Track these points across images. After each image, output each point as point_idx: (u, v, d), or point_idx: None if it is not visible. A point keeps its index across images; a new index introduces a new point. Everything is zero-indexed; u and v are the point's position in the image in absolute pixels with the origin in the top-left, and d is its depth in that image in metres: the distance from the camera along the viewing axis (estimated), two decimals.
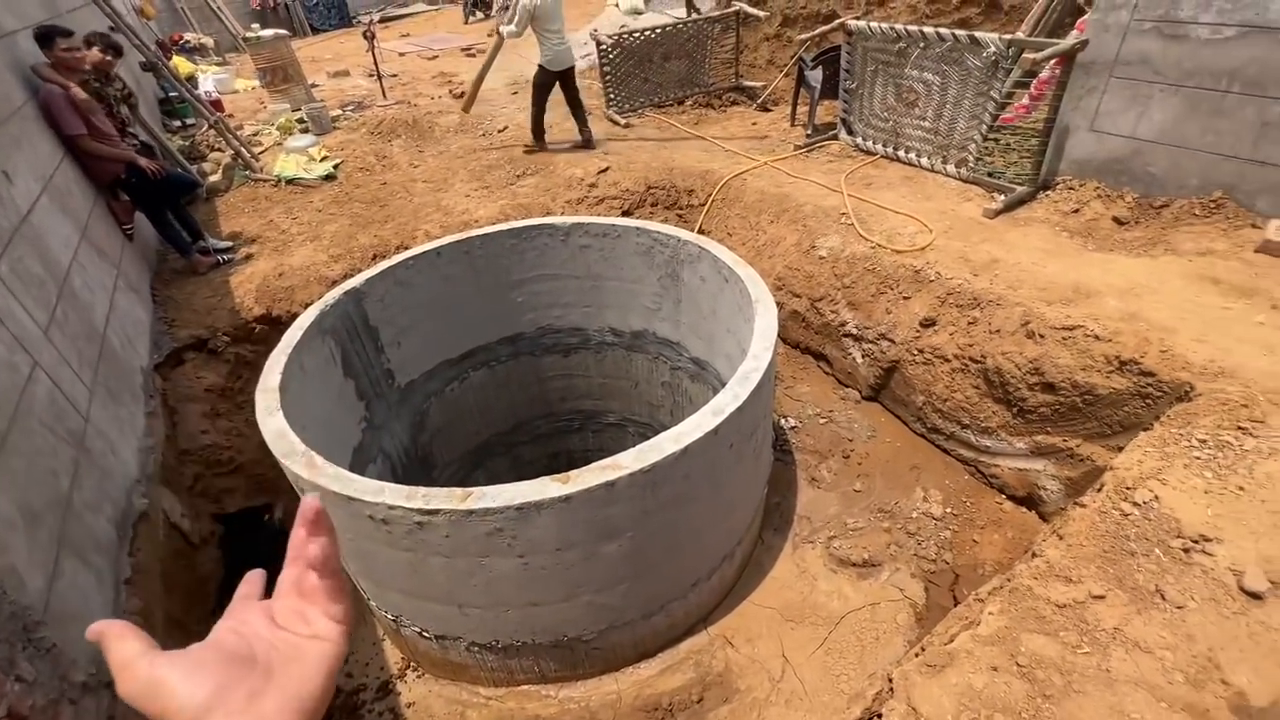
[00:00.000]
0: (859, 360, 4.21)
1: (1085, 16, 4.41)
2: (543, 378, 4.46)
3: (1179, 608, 1.72)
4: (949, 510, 3.51)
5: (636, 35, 6.66)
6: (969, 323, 3.60)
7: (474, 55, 11.07)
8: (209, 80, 9.31)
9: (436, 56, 11.26)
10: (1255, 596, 1.73)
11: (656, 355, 4.24)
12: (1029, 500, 3.46)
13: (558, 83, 5.99)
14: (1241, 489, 2.05)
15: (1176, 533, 1.95)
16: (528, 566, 2.31)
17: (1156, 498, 2.06)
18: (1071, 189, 4.38)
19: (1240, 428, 2.30)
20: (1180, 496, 2.06)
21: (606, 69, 6.73)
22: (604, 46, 6.55)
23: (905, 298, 3.92)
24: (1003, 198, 4.43)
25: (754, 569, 3.33)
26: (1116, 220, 4.03)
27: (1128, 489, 2.09)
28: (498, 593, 2.42)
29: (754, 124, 6.57)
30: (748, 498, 3.06)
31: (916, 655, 1.74)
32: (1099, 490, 2.15)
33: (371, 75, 8.71)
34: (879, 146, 5.39)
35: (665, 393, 4.36)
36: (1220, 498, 2.05)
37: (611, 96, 6.92)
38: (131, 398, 3.28)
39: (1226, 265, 3.39)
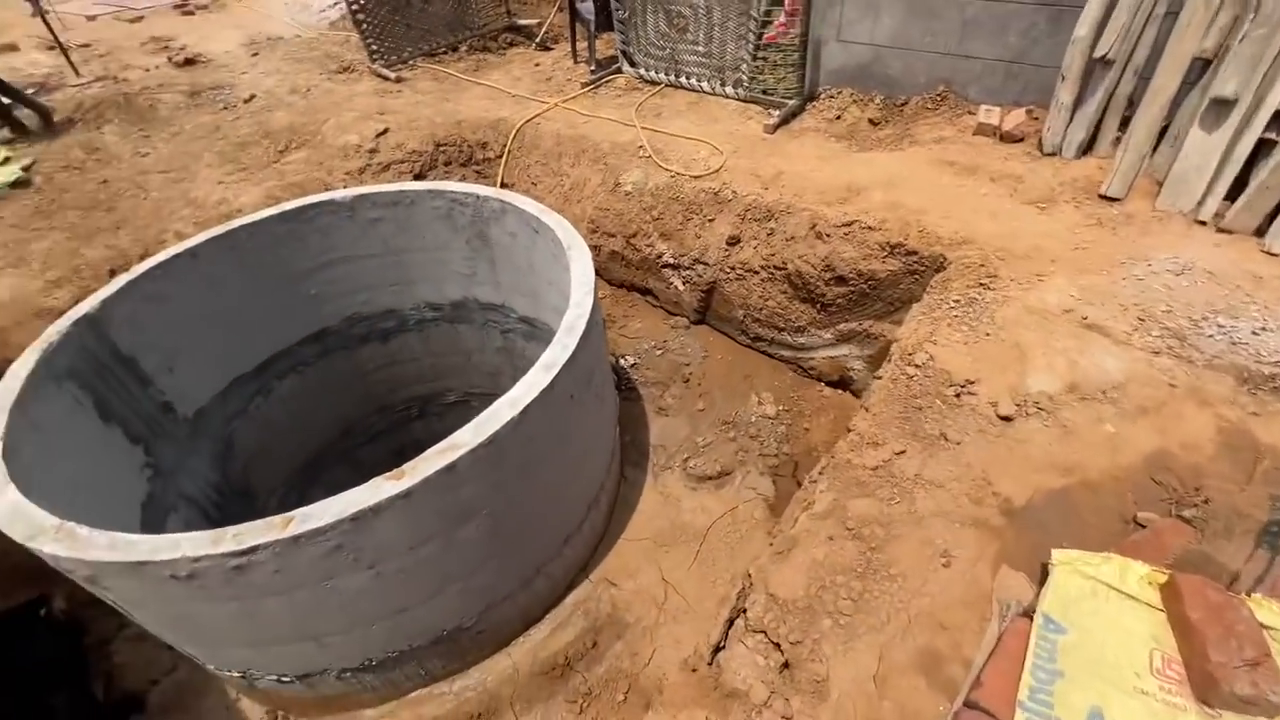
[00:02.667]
0: (681, 288, 4.38)
1: None
2: (364, 371, 4.06)
3: (957, 443, 2.06)
4: (781, 408, 3.86)
5: None
6: (768, 234, 3.87)
7: (192, 13, 9.27)
8: None
9: (142, 18, 9.23)
10: (1007, 420, 2.12)
11: (483, 322, 4.04)
12: (842, 383, 3.91)
13: None
14: (987, 334, 2.48)
15: (949, 382, 2.30)
16: (381, 575, 2.14)
17: (931, 357, 2.41)
18: (832, 98, 4.80)
19: (981, 284, 2.75)
20: (948, 351, 2.44)
21: (360, 17, 5.98)
22: None
23: (710, 220, 4.10)
24: (777, 113, 4.74)
25: (622, 507, 3.42)
26: (871, 121, 4.52)
27: (909, 355, 2.42)
28: (356, 612, 2.22)
29: (537, 65, 6.31)
30: (600, 443, 3.09)
31: (770, 546, 1.90)
32: (889, 361, 2.47)
33: (52, 48, 6.92)
34: (661, 75, 5.47)
35: (502, 358, 4.21)
36: (975, 345, 2.45)
37: (374, 48, 6.20)
38: None
39: (956, 149, 3.97)
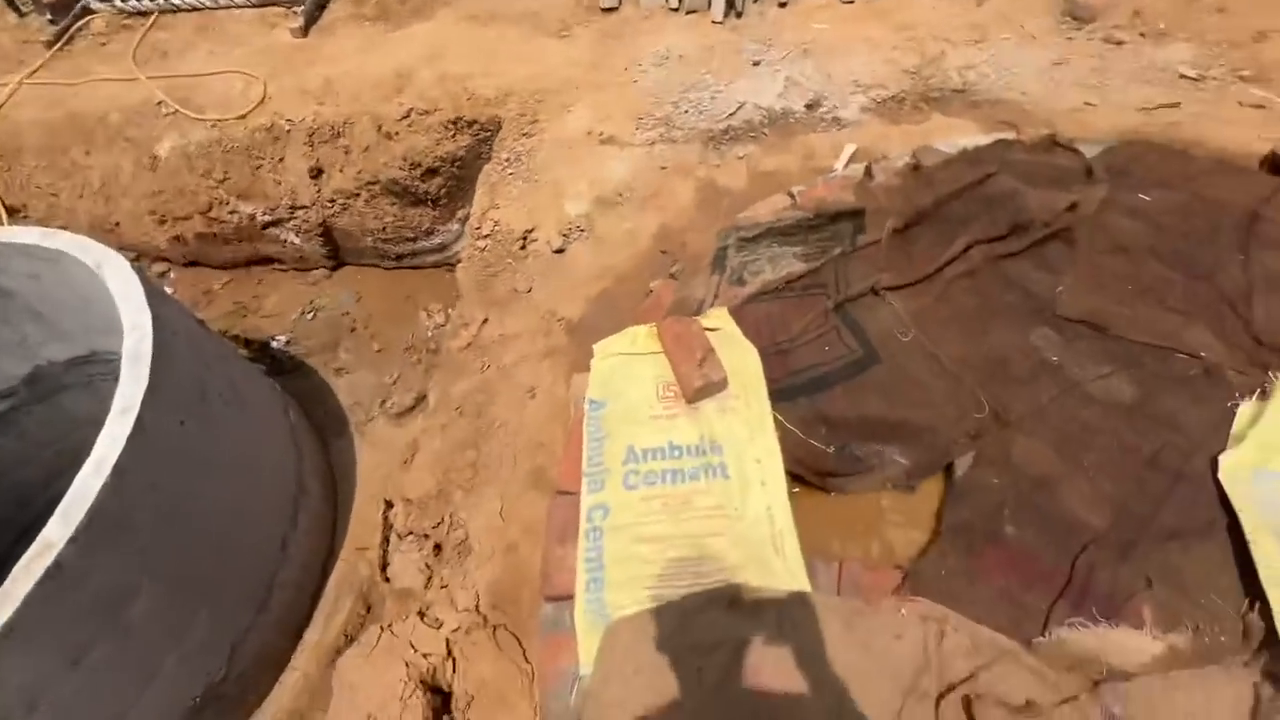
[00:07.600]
0: (297, 240, 4.04)
1: None
2: None
3: (527, 291, 2.36)
4: (448, 309, 3.96)
5: None
6: (344, 153, 3.65)
7: None
8: None
9: None
10: (560, 252, 2.46)
11: (87, 382, 3.40)
12: None
13: None
14: (536, 180, 2.74)
15: (514, 238, 2.56)
16: (56, 705, 1.96)
17: (496, 222, 2.63)
18: None
19: (525, 134, 2.97)
20: (509, 211, 2.67)
21: None
22: None
23: (280, 160, 3.72)
24: (300, 10, 4.21)
25: (344, 479, 3.39)
26: None
27: (477, 228, 2.61)
28: None
29: None
30: (271, 438, 2.95)
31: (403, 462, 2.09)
32: (463, 241, 2.64)
33: None
34: (147, 1, 4.45)
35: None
36: (529, 195, 2.71)
37: None
38: None
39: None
